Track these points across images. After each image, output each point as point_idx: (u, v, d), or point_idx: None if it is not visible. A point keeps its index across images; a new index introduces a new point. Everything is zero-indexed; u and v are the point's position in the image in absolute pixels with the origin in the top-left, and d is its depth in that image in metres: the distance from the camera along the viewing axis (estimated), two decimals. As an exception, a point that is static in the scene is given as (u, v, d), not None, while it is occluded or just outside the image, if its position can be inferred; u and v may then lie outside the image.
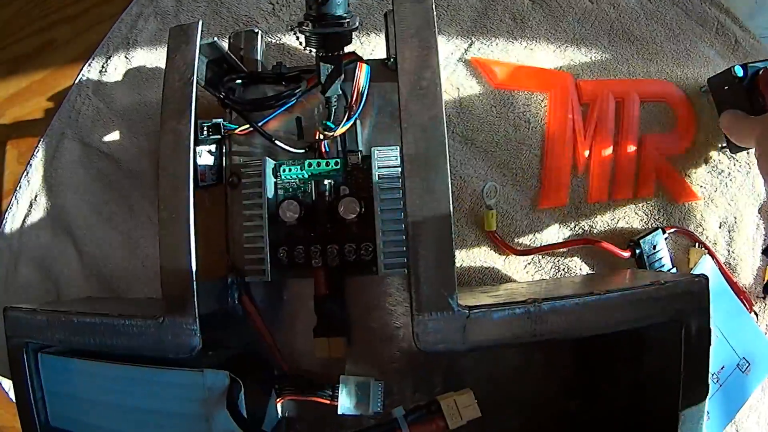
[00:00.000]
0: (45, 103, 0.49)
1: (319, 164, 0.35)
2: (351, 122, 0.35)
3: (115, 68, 0.45)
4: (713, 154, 0.43)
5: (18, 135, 0.51)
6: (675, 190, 0.42)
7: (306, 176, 0.35)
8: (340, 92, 0.34)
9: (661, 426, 0.32)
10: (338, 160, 0.35)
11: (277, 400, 0.36)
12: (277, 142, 0.35)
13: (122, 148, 0.45)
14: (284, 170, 0.35)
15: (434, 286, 0.27)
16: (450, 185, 0.27)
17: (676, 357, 0.30)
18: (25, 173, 0.48)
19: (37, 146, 0.48)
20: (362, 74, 0.33)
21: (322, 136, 0.35)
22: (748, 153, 0.43)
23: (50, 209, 0.47)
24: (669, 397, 0.31)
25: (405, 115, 0.28)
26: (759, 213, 0.44)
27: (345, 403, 0.34)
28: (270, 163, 0.35)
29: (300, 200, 0.34)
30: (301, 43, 0.30)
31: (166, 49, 0.32)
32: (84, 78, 0.46)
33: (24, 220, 0.47)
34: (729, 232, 0.43)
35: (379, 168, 0.33)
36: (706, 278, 0.30)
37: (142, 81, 0.46)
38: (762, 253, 0.43)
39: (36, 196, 0.47)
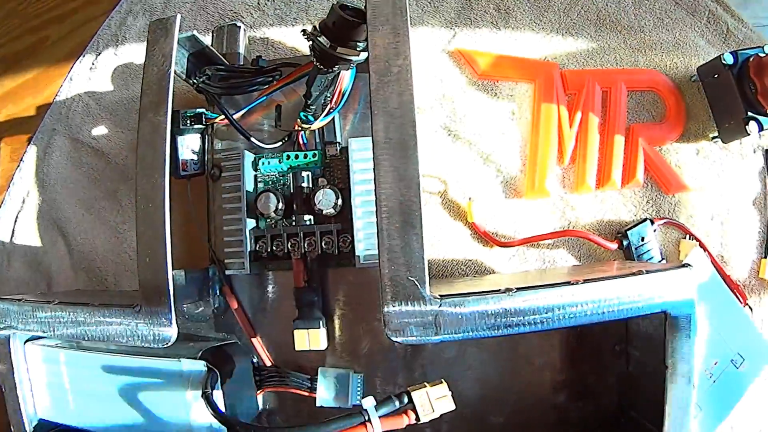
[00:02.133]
0: (37, 100, 0.50)
1: (297, 156, 0.35)
2: (330, 118, 0.35)
3: (105, 64, 0.46)
4: (704, 144, 0.42)
5: (11, 133, 0.52)
6: (665, 181, 0.41)
7: (285, 169, 0.35)
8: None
9: (648, 418, 0.31)
10: (316, 152, 0.35)
11: (258, 391, 0.36)
12: (253, 139, 0.35)
13: (110, 144, 0.46)
14: (263, 163, 0.35)
15: (404, 274, 0.27)
16: (420, 171, 0.27)
17: (659, 347, 0.30)
18: (17, 170, 0.49)
19: (28, 143, 0.49)
20: (347, 76, 0.33)
21: (300, 128, 0.35)
22: (740, 143, 0.42)
23: (41, 205, 0.47)
24: (656, 389, 0.30)
25: (375, 101, 0.27)
26: (753, 204, 0.43)
27: (323, 395, 0.34)
28: (249, 156, 0.35)
29: (278, 193, 0.34)
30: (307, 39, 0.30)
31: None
32: (74, 75, 0.47)
33: (16, 216, 0.48)
34: (721, 224, 0.42)
35: (355, 160, 0.33)
36: (690, 266, 0.29)
37: (130, 77, 0.46)
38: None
39: (28, 192, 0.48)
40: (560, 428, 0.36)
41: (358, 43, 0.30)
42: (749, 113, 0.38)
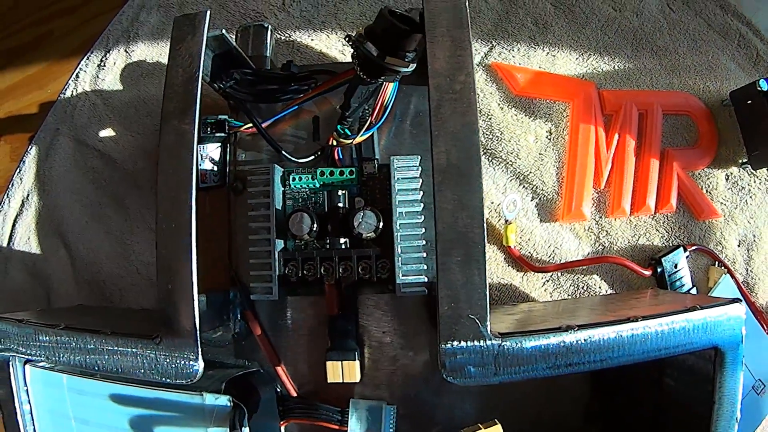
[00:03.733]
0: (40, 97, 0.47)
1: (332, 173, 0.33)
2: (370, 132, 0.32)
3: (114, 62, 0.43)
4: (734, 169, 0.42)
5: (11, 130, 0.48)
6: (696, 207, 0.40)
7: (317, 186, 0.33)
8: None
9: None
10: (353, 169, 0.33)
11: (282, 422, 0.34)
12: (284, 152, 0.33)
13: (118, 147, 0.43)
14: (294, 179, 0.33)
15: (464, 312, 0.25)
16: (483, 200, 0.25)
17: (702, 380, 0.29)
18: (17, 171, 0.45)
19: (30, 143, 0.45)
20: (390, 88, 0.31)
21: (336, 143, 0.33)
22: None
23: (42, 210, 0.44)
24: (697, 422, 0.29)
25: (436, 121, 0.26)
26: (780, 232, 0.43)
27: (355, 428, 0.32)
28: (278, 171, 0.33)
29: (311, 212, 0.31)
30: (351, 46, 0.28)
31: (169, 41, 0.29)
32: (81, 72, 0.44)
33: (15, 221, 0.44)
34: (747, 250, 0.42)
35: (398, 179, 0.31)
36: (741, 301, 0.29)
37: (142, 76, 0.43)
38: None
39: (28, 195, 0.44)
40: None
41: (407, 54, 0.28)
42: (782, 142, 0.38)
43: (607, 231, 0.40)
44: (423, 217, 0.31)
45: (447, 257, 0.25)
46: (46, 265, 0.42)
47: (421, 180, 0.32)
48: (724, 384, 0.28)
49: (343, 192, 0.32)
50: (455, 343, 0.24)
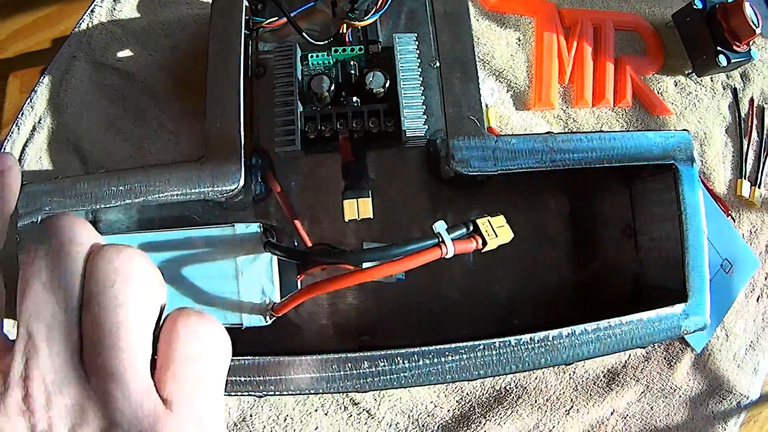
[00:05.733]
0: (52, 33, 0.50)
1: (344, 50, 0.38)
2: (376, 17, 0.38)
3: (129, -1, 0.47)
4: (681, 78, 0.49)
5: (21, 66, 0.51)
6: (650, 103, 0.47)
7: (331, 62, 0.38)
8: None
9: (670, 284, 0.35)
10: (361, 46, 0.38)
11: (299, 276, 0.37)
12: (304, 34, 0.38)
13: (137, 65, 0.47)
14: (312, 56, 0.38)
15: (465, 113, 0.30)
16: (473, 36, 0.31)
17: (670, 202, 0.34)
18: (28, 100, 0.48)
19: (43, 73, 0.48)
20: None
21: (346, 26, 0.38)
22: (712, 80, 0.49)
23: (55, 129, 0.46)
24: (673, 254, 0.34)
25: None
26: (726, 133, 0.50)
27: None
28: (299, 51, 0.38)
29: (329, 75, 0.36)
30: None
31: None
32: (97, 7, 0.48)
33: (25, 146, 0.47)
34: (701, 145, 0.48)
35: (400, 50, 0.37)
36: (688, 132, 0.35)
37: (159, 5, 0.48)
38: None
39: (40, 120, 0.47)
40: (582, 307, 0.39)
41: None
42: (718, 48, 0.46)
43: (573, 119, 0.46)
44: (422, 79, 0.36)
45: (449, 75, 0.30)
46: (59, 180, 0.44)
47: (418, 51, 0.37)
48: (685, 197, 0.33)
49: (354, 63, 0.37)
50: (461, 138, 0.29)
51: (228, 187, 0.30)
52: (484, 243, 0.28)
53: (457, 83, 0.30)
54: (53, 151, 0.47)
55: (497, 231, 0.29)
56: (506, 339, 0.30)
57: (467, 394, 0.44)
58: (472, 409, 0.44)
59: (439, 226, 0.28)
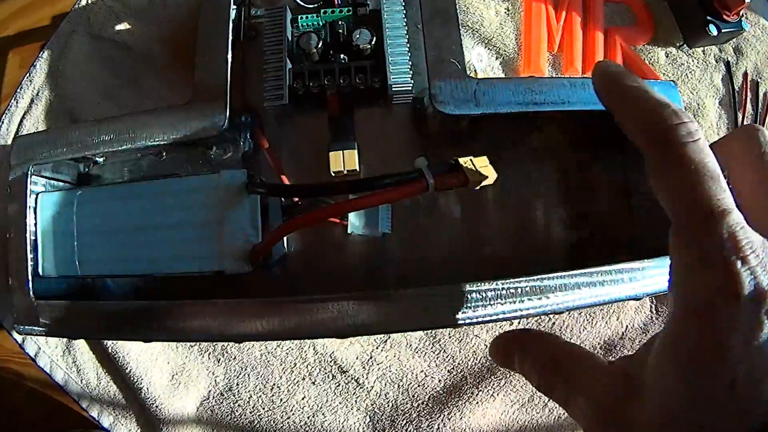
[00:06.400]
0: (52, 11, 0.51)
1: (333, 12, 0.39)
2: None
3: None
4: (672, 49, 0.49)
5: (21, 43, 0.52)
6: (641, 72, 0.47)
7: (321, 23, 0.39)
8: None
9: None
10: (350, 8, 0.39)
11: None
12: (296, -1, 0.39)
13: (134, 37, 0.48)
14: (302, 18, 0.39)
15: (447, 57, 0.30)
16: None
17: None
18: (27, 74, 0.49)
19: (42, 48, 0.49)
20: None
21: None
22: (704, 52, 0.49)
23: (53, 100, 0.47)
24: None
25: None
26: (720, 104, 0.49)
27: (355, 222, 0.35)
28: (289, 13, 0.39)
29: (318, 33, 0.37)
30: None
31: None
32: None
33: (23, 118, 0.48)
34: (695, 115, 0.48)
35: (386, 9, 0.37)
36: (675, 83, 0.35)
37: (158, -18, 0.49)
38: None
39: (38, 92, 0.48)
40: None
41: None
42: (708, 18, 0.46)
43: (566, 87, 0.46)
44: (408, 37, 0.37)
45: (431, 23, 0.31)
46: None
47: (405, 12, 0.38)
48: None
49: (342, 23, 0.38)
50: (442, 80, 0.29)
51: (214, 127, 0.30)
52: (467, 179, 0.28)
53: (437, 27, 0.31)
54: (50, 121, 0.48)
55: (480, 170, 0.28)
56: (493, 282, 0.29)
57: (459, 363, 0.43)
58: (464, 379, 0.43)
59: (420, 162, 0.28)
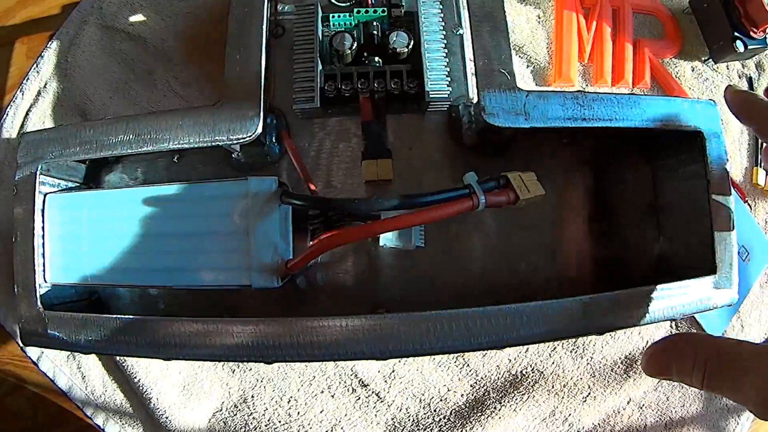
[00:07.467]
0: (62, 0, 0.49)
1: (367, 11, 0.37)
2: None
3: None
4: (698, 63, 0.49)
5: (29, 32, 0.49)
6: (668, 86, 0.47)
7: (353, 23, 0.37)
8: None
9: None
10: (384, 8, 0.37)
11: (312, 240, 0.35)
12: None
13: (148, 29, 0.45)
14: (333, 17, 0.37)
15: (496, 66, 0.29)
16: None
17: (695, 174, 0.33)
18: (34, 65, 0.46)
19: (51, 37, 0.47)
20: None
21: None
22: (728, 68, 0.49)
23: (61, 94, 0.45)
24: (697, 218, 0.33)
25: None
26: (742, 121, 0.49)
27: (387, 234, 0.34)
28: (320, 11, 0.37)
29: (352, 34, 0.35)
30: None
31: None
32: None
33: (28, 111, 0.45)
34: (717, 131, 0.48)
35: (424, 12, 0.36)
36: (715, 103, 0.34)
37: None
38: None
39: (45, 84, 0.46)
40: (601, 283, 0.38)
41: None
42: (735, 34, 0.46)
43: (595, 98, 0.45)
44: (445, 42, 0.35)
45: (479, 28, 0.29)
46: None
47: (442, 15, 0.36)
48: (713, 163, 0.32)
49: (377, 24, 0.36)
50: (492, 90, 0.28)
51: (246, 133, 0.29)
52: (517, 197, 0.27)
53: (486, 36, 0.29)
54: (58, 116, 0.45)
55: (528, 186, 0.27)
56: (535, 303, 0.28)
57: (482, 378, 0.42)
58: (486, 393, 0.42)
59: (470, 177, 0.26)
